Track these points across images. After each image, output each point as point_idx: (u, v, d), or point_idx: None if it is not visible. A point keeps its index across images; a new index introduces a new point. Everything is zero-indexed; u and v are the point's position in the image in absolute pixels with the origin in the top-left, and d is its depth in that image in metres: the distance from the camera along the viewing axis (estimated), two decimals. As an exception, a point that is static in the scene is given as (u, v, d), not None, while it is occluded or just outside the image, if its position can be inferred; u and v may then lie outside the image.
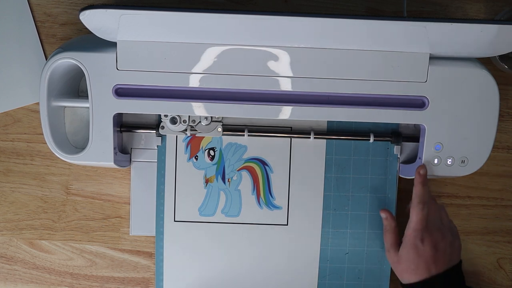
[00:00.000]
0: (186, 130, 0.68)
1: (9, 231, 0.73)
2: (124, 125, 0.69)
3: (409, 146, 0.70)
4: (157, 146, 0.68)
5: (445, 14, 0.73)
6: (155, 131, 0.68)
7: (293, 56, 0.61)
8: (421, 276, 0.61)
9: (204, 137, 0.68)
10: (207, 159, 0.68)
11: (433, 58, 0.62)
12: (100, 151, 0.63)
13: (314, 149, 0.69)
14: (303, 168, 0.69)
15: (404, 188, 0.73)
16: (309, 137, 0.69)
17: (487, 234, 0.73)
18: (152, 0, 0.73)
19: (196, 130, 0.68)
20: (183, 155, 0.68)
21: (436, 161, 0.64)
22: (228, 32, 0.59)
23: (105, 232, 0.73)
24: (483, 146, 0.64)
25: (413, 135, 0.69)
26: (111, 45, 0.61)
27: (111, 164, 0.64)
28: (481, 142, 0.64)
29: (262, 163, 0.69)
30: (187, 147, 0.68)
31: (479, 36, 0.58)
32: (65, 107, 0.68)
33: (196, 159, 0.68)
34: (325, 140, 0.68)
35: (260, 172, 0.69)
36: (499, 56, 0.70)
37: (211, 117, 0.67)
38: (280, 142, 0.69)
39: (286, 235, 0.69)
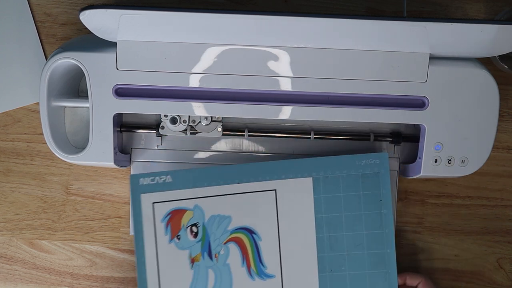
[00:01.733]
0: (186, 130, 0.68)
1: (9, 231, 0.73)
2: (124, 125, 0.69)
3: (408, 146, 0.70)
4: (134, 234, 0.63)
5: (445, 14, 0.73)
6: (155, 131, 0.68)
7: (293, 56, 0.61)
8: None
9: (184, 213, 0.63)
10: (190, 237, 0.63)
11: (433, 58, 0.62)
12: (100, 151, 0.63)
13: (302, 208, 0.64)
14: (292, 230, 0.64)
15: (405, 188, 0.73)
16: (309, 137, 0.69)
17: (487, 234, 0.73)
18: (152, 0, 0.73)
19: (196, 130, 0.68)
20: (163, 237, 0.63)
21: (436, 161, 0.64)
22: (228, 32, 0.59)
23: (105, 232, 0.73)
24: (483, 146, 0.64)
25: (413, 135, 0.69)
26: (111, 45, 0.61)
27: (111, 164, 0.64)
28: (481, 142, 0.64)
29: (249, 231, 0.64)
30: (166, 227, 0.63)
31: (479, 36, 0.58)
32: (65, 107, 0.68)
33: (179, 239, 0.63)
34: (312, 198, 0.64)
35: (248, 241, 0.64)
36: (499, 56, 0.70)
37: (211, 117, 0.67)
38: (265, 207, 0.64)
39: None
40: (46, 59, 0.69)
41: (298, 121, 0.70)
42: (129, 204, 0.71)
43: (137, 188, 0.62)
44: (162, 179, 0.62)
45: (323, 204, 0.64)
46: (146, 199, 0.62)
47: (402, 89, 0.62)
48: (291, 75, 0.62)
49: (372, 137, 0.69)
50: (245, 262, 0.64)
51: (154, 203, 0.63)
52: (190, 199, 0.63)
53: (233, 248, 0.64)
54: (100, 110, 0.62)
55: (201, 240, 0.64)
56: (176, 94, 0.63)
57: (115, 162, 0.64)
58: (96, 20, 0.57)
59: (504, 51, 0.61)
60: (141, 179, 0.62)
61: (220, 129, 0.68)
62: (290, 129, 0.70)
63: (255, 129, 0.69)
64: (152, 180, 0.62)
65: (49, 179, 0.73)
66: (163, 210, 0.63)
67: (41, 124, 0.64)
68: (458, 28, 0.57)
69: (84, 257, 0.73)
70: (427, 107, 0.63)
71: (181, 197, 0.63)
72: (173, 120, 0.67)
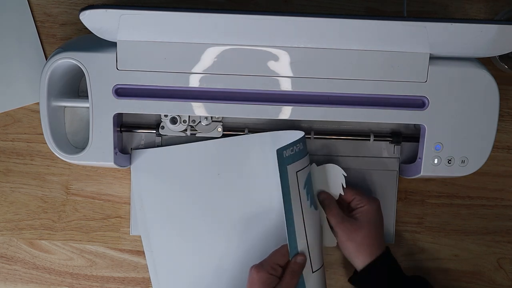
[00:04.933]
0: (186, 130, 0.68)
1: (9, 231, 0.73)
2: (124, 125, 0.69)
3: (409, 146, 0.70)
4: (284, 203, 0.61)
5: (445, 14, 0.73)
6: (155, 131, 0.68)
7: (293, 56, 0.61)
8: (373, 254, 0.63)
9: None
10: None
11: (433, 58, 0.62)
12: (100, 151, 0.63)
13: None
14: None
15: (404, 188, 0.73)
16: (309, 137, 0.69)
17: (487, 234, 0.73)
18: (152, 0, 0.73)
19: (196, 130, 0.68)
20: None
21: (436, 161, 0.64)
22: (228, 32, 0.59)
23: (105, 232, 0.73)
24: (483, 146, 0.64)
25: (413, 135, 0.69)
26: (111, 45, 0.61)
27: (111, 164, 0.64)
28: (481, 142, 0.64)
29: None
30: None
31: (479, 36, 0.58)
32: (65, 107, 0.68)
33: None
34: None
35: None
36: (499, 56, 0.70)
37: (211, 117, 0.67)
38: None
39: None
40: (46, 59, 0.69)
41: (298, 121, 0.70)
42: (129, 204, 0.71)
43: (282, 161, 0.62)
44: (298, 147, 0.63)
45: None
46: (291, 169, 0.62)
47: (402, 89, 0.62)
48: (291, 75, 0.62)
49: (372, 137, 0.69)
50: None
51: (297, 171, 0.63)
52: (309, 163, 0.65)
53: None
54: (100, 110, 0.62)
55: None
56: (176, 94, 0.63)
57: (115, 162, 0.64)
58: (96, 20, 0.57)
59: (504, 51, 0.61)
60: (285, 151, 0.62)
61: (220, 129, 0.68)
62: (290, 129, 0.70)
63: (255, 129, 0.69)
64: (292, 150, 0.62)
65: (49, 179, 0.73)
66: (303, 177, 0.63)
67: (41, 124, 0.64)
68: (458, 28, 0.57)
69: (84, 257, 0.73)
70: (427, 107, 0.63)
71: (309, 161, 0.65)
72: (173, 120, 0.67)
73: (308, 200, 0.63)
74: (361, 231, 0.63)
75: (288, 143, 0.62)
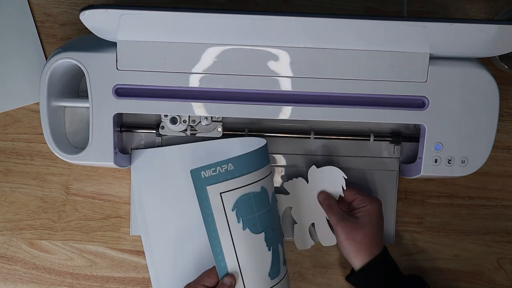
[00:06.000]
0: (186, 130, 0.68)
1: (9, 231, 0.73)
2: (124, 125, 0.69)
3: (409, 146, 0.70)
4: (205, 226, 0.61)
5: (445, 14, 0.73)
6: (155, 131, 0.68)
7: (293, 56, 0.61)
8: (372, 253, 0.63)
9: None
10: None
11: (433, 58, 0.62)
12: (100, 151, 0.63)
13: None
14: None
15: (404, 188, 0.73)
16: (309, 137, 0.69)
17: (487, 234, 0.73)
18: (152, 0, 0.73)
19: (196, 130, 0.68)
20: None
21: (436, 161, 0.64)
22: (228, 32, 0.59)
23: (105, 232, 0.73)
24: (483, 146, 0.64)
25: (413, 135, 0.69)
26: (111, 45, 0.61)
27: (111, 164, 0.64)
28: (481, 142, 0.64)
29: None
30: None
31: (479, 36, 0.58)
32: (65, 107, 0.68)
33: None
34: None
35: None
36: (499, 56, 0.70)
37: (211, 117, 0.67)
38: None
39: None
40: (46, 59, 0.69)
41: (298, 121, 0.70)
42: (129, 204, 0.71)
43: (200, 181, 0.60)
44: (224, 168, 0.60)
45: None
46: (213, 190, 0.60)
47: (402, 89, 0.62)
48: (291, 75, 0.62)
49: (372, 137, 0.69)
50: None
51: (221, 193, 0.60)
52: (256, 182, 0.61)
53: None
54: (100, 110, 0.62)
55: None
56: (176, 94, 0.63)
57: (115, 162, 0.64)
58: (96, 20, 0.57)
59: (504, 51, 0.61)
60: (203, 171, 0.59)
61: (220, 129, 0.68)
62: (290, 129, 0.70)
63: (255, 129, 0.69)
64: (214, 171, 0.59)
65: (49, 179, 0.73)
66: (232, 199, 0.60)
67: (41, 124, 0.64)
68: (458, 28, 0.57)
69: (84, 257, 0.73)
70: (427, 107, 0.63)
71: (247, 182, 0.60)
72: (173, 120, 0.67)
73: (240, 222, 0.60)
74: (362, 230, 0.63)
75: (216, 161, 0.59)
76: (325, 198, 0.66)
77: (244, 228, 0.60)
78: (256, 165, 0.61)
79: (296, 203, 0.69)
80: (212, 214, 0.60)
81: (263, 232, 0.61)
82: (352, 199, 0.67)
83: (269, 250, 0.61)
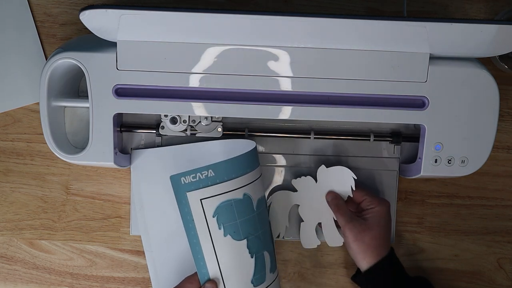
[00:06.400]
0: (186, 130, 0.68)
1: (9, 231, 0.73)
2: (124, 125, 0.69)
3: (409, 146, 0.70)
4: (186, 231, 0.60)
5: (445, 14, 0.73)
6: (155, 131, 0.68)
7: (293, 56, 0.61)
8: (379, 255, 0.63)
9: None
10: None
11: (433, 58, 0.62)
12: (100, 151, 0.63)
13: None
14: None
15: (405, 188, 0.73)
16: (309, 137, 0.69)
17: (487, 234, 0.73)
18: (152, 0, 0.73)
19: (196, 130, 0.68)
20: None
21: (436, 161, 0.64)
22: (228, 32, 0.59)
23: (105, 232, 0.73)
24: (483, 146, 0.64)
25: (413, 135, 0.69)
26: (111, 45, 0.61)
27: (111, 164, 0.64)
28: (481, 142, 0.64)
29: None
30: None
31: (479, 36, 0.58)
32: (65, 107, 0.68)
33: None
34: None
35: None
36: (499, 56, 0.70)
37: (211, 117, 0.67)
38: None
39: None
40: (46, 59, 0.69)
41: (298, 121, 0.70)
42: (129, 204, 0.71)
43: (179, 187, 0.60)
44: (205, 174, 0.59)
45: None
46: (193, 196, 0.59)
47: (402, 89, 0.62)
48: (291, 75, 0.62)
49: (372, 137, 0.69)
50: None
51: (202, 199, 0.60)
52: (238, 189, 0.60)
53: None
54: (100, 110, 0.62)
55: None
56: (176, 94, 0.62)
57: (115, 162, 0.64)
58: (96, 20, 0.57)
59: (504, 51, 0.61)
60: (183, 177, 0.59)
61: (220, 129, 0.68)
62: (290, 129, 0.70)
63: (255, 129, 0.69)
64: (194, 177, 0.59)
65: (49, 179, 0.73)
66: (212, 205, 0.60)
67: (41, 124, 0.64)
68: (458, 28, 0.57)
69: (84, 257, 0.73)
70: (427, 107, 0.63)
71: (228, 188, 0.60)
72: (173, 120, 0.67)
73: (221, 229, 0.60)
74: (370, 232, 0.63)
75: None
76: (334, 198, 0.66)
77: (225, 235, 0.60)
78: (238, 171, 0.60)
79: (304, 201, 0.69)
80: (193, 220, 0.60)
81: (245, 239, 0.61)
82: (361, 200, 0.67)
83: (252, 257, 0.61)
